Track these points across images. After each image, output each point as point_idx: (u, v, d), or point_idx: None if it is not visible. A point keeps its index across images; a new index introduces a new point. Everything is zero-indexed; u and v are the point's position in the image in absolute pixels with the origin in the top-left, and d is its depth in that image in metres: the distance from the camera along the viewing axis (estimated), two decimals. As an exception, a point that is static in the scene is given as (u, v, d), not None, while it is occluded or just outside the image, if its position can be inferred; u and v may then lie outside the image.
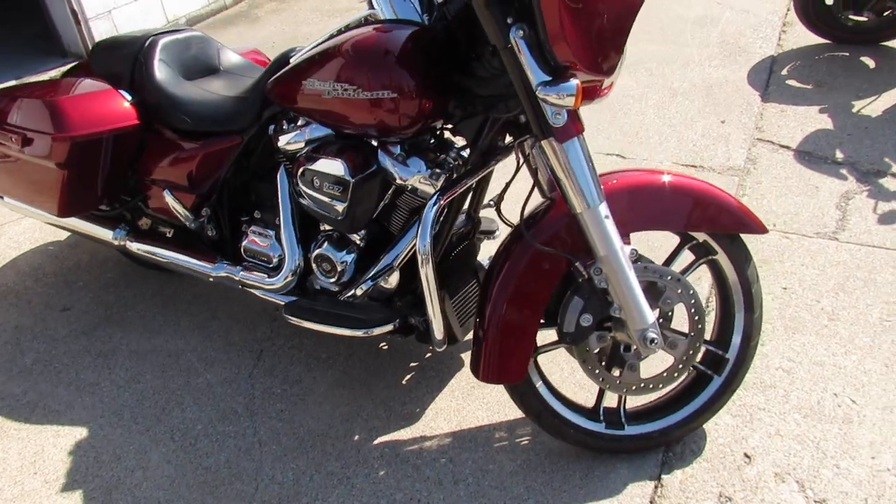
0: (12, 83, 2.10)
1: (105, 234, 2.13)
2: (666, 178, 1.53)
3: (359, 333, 1.67)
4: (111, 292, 2.40)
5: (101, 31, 4.31)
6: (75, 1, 4.15)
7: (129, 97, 1.94)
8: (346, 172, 1.57)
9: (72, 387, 2.04)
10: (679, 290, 1.54)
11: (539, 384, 1.60)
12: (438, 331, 1.53)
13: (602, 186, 1.42)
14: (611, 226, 1.41)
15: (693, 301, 1.55)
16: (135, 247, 2.09)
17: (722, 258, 1.59)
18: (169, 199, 1.95)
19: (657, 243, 2.02)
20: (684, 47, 3.80)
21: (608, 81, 1.45)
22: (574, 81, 1.28)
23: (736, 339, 1.64)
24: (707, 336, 1.63)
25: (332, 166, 1.59)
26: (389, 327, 1.66)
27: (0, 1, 5.15)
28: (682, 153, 2.86)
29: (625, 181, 1.53)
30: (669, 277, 1.53)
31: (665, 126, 3.08)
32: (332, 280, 1.77)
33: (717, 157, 2.81)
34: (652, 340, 1.47)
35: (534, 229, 1.49)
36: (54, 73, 3.91)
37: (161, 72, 1.94)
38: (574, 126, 1.36)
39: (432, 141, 1.65)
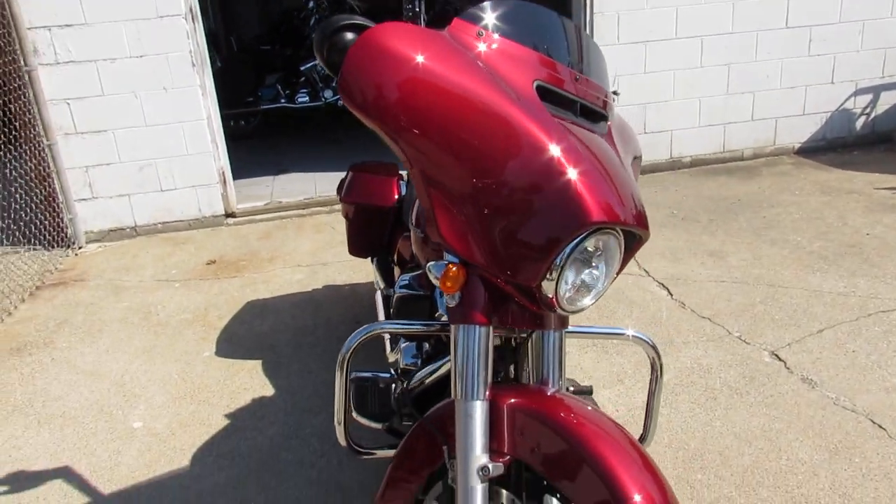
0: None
1: (379, 280, 2.81)
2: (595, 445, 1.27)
3: None
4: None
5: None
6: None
7: (402, 188, 2.56)
8: None
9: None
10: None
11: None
12: (340, 436, 1.66)
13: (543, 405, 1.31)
14: (478, 429, 1.33)
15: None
16: (377, 294, 2.71)
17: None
18: (374, 267, 2.50)
19: None
20: None
21: (567, 293, 1.33)
22: (444, 262, 1.31)
23: None
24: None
25: None
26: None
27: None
28: None
29: (562, 422, 1.33)
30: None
31: None
32: None
33: None
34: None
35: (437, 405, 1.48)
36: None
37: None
38: (467, 313, 1.35)
39: None
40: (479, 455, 1.31)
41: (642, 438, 1.79)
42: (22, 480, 2.22)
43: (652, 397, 1.74)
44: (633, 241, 1.39)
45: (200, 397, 2.64)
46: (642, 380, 2.52)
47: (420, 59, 1.23)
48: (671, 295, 3.20)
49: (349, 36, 1.32)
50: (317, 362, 2.83)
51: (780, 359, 2.62)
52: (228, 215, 4.73)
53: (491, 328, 1.37)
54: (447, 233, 1.28)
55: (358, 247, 2.75)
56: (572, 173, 1.22)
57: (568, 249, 1.23)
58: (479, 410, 1.33)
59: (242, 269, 3.91)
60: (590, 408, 1.37)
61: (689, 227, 4.06)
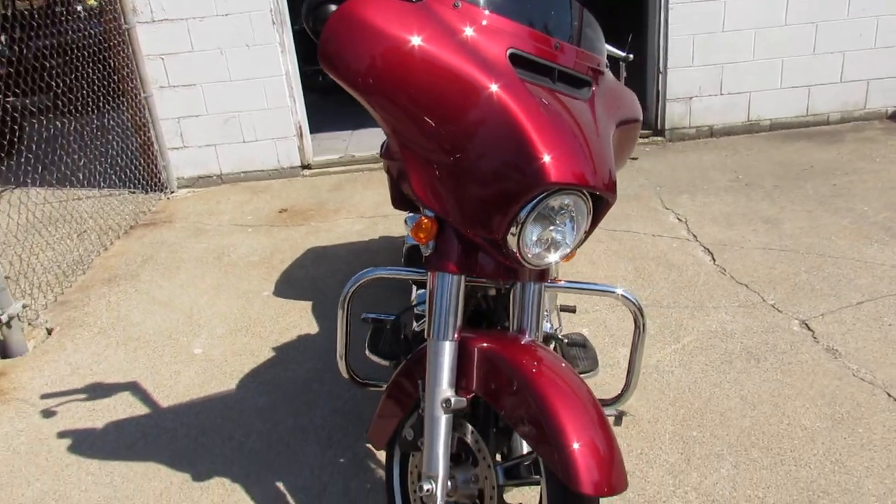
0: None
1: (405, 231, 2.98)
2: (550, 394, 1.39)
3: None
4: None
5: (675, 111, 4.95)
6: (661, 84, 4.89)
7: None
8: None
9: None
10: (486, 476, 1.45)
11: (396, 467, 1.74)
12: (342, 369, 1.85)
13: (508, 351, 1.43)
14: (445, 366, 1.48)
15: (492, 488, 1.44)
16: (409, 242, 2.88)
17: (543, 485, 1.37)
18: (406, 221, 2.67)
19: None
20: None
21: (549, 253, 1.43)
22: (419, 215, 1.45)
23: None
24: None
25: None
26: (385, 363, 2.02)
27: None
28: None
29: (522, 367, 1.46)
30: (484, 458, 1.46)
31: None
32: None
33: None
34: (426, 491, 1.47)
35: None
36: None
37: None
38: (441, 262, 1.49)
39: None
40: (444, 389, 1.47)
41: (622, 393, 1.89)
42: (97, 391, 2.58)
43: (634, 354, 1.84)
44: (603, 203, 1.48)
45: (254, 331, 2.93)
46: (661, 341, 2.58)
47: (392, 29, 1.35)
48: (714, 260, 3.20)
49: (332, 7, 1.46)
50: (360, 306, 3.06)
51: (808, 328, 2.60)
52: (304, 167, 5.02)
53: (462, 277, 1.50)
54: (418, 187, 1.42)
55: (398, 201, 2.92)
56: (535, 134, 1.32)
57: (529, 206, 1.34)
58: (447, 350, 1.48)
59: (309, 218, 4.19)
60: (563, 364, 1.47)
61: (751, 192, 3.97)
